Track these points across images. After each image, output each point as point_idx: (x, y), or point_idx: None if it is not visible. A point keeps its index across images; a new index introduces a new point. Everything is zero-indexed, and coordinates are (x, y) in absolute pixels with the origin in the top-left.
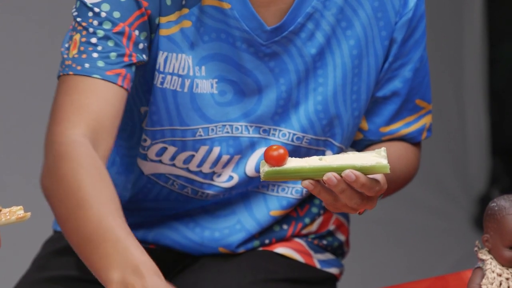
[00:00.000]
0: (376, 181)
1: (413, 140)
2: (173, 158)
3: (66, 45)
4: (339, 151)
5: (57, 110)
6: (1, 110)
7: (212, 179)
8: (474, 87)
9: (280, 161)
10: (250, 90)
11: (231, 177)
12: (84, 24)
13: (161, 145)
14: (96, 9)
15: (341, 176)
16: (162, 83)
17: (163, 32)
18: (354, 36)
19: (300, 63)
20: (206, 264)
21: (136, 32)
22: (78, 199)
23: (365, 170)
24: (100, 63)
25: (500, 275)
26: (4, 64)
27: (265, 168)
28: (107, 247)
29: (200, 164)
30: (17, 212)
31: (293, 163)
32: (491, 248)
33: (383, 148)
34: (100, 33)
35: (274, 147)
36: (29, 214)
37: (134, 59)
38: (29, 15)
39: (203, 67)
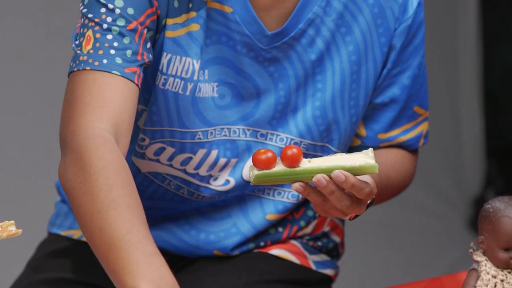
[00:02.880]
0: (365, 182)
1: (410, 147)
2: (171, 158)
3: (77, 42)
4: None
5: (77, 103)
6: None
7: (208, 182)
8: (469, 89)
9: (268, 164)
10: (248, 94)
11: (227, 181)
12: (97, 20)
13: (159, 145)
14: (110, 5)
15: (330, 178)
16: (164, 84)
17: (169, 34)
18: (353, 42)
19: (300, 69)
20: (201, 266)
21: (145, 31)
22: (109, 200)
23: (354, 171)
24: (118, 60)
25: (495, 277)
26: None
27: (254, 172)
28: (138, 254)
29: (197, 167)
30: (8, 228)
31: (282, 166)
32: (486, 249)
33: (370, 149)
34: (115, 29)
35: (262, 150)
36: (20, 231)
37: (146, 59)
38: (28, 15)
39: (206, 71)
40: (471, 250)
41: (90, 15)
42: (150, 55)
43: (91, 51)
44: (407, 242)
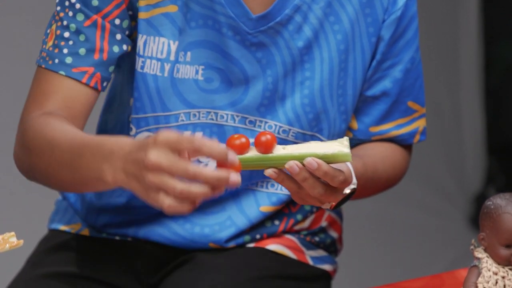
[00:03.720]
0: (339, 170)
1: (404, 142)
2: None
3: (48, 31)
4: None
5: (29, 98)
6: None
7: None
8: (470, 86)
9: (242, 149)
10: (237, 80)
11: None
12: (61, 14)
13: (146, 134)
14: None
15: (303, 165)
16: (142, 67)
17: (142, 15)
18: (342, 31)
19: (287, 55)
20: (199, 263)
21: (117, 21)
22: (49, 141)
23: (327, 159)
24: (68, 60)
25: (496, 274)
26: None
27: None
28: (87, 154)
29: None
30: (10, 239)
31: (255, 151)
32: (487, 246)
33: (345, 138)
34: (73, 27)
35: (236, 136)
36: (22, 241)
37: (105, 56)
38: (27, 15)
39: (188, 53)
40: (472, 247)
41: (58, 8)
42: (125, 45)
43: (50, 49)
44: (407, 239)
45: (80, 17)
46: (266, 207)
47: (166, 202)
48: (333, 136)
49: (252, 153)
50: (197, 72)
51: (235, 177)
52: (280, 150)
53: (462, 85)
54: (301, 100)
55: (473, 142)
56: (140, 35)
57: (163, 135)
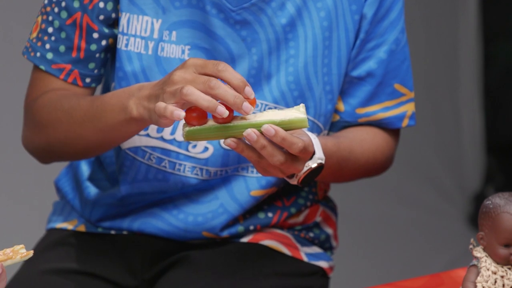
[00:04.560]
0: (297, 137)
1: (391, 125)
2: (146, 127)
3: (35, 21)
4: (315, 127)
5: (29, 86)
6: None
7: (187, 149)
8: (469, 86)
9: (199, 119)
10: (223, 59)
11: (206, 148)
12: (48, 9)
13: None
14: None
15: (261, 133)
16: (126, 45)
17: None
18: (325, 8)
19: (271, 33)
20: (194, 261)
21: (101, 4)
22: (67, 110)
23: (284, 125)
24: (49, 55)
25: (495, 273)
26: None
27: (186, 128)
28: (112, 99)
29: (173, 131)
30: (19, 251)
31: (213, 122)
32: (486, 246)
33: (302, 104)
34: (56, 24)
35: (193, 107)
36: (31, 252)
37: (82, 55)
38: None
39: (174, 32)
40: (471, 246)
41: (45, 1)
42: (104, 41)
43: (34, 40)
44: (406, 238)
45: (63, 14)
46: (256, 191)
47: (170, 107)
48: (320, 116)
49: (210, 123)
50: (183, 52)
51: (248, 106)
52: (238, 120)
53: (461, 85)
54: (286, 77)
55: (472, 142)
56: (123, 13)
57: (191, 60)
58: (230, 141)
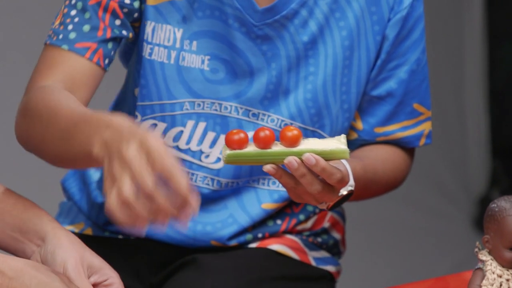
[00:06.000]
0: (337, 168)
1: (409, 144)
2: (163, 135)
3: (57, 14)
4: None
5: (34, 71)
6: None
7: (200, 159)
8: (474, 88)
9: (240, 144)
10: (242, 71)
11: (218, 159)
12: None
13: (151, 122)
14: None
15: (302, 161)
16: (150, 54)
17: (150, 1)
18: (347, 27)
19: (292, 50)
20: (202, 264)
21: (127, 0)
22: (51, 109)
23: (325, 155)
24: (72, 35)
25: (500, 276)
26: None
27: (226, 152)
28: (82, 124)
29: (188, 141)
30: None
31: (254, 147)
32: (492, 249)
33: (342, 135)
34: (79, 5)
35: (235, 131)
36: None
37: (109, 34)
38: (28, 15)
39: (194, 42)
40: (476, 250)
41: None
42: (124, 31)
43: (56, 27)
44: (411, 241)
45: None
46: (267, 204)
47: (112, 199)
48: (335, 133)
49: (251, 148)
50: (203, 62)
51: (184, 223)
52: (278, 146)
53: (466, 88)
54: (304, 94)
55: (477, 144)
56: (148, 22)
57: (154, 140)
58: (269, 167)
